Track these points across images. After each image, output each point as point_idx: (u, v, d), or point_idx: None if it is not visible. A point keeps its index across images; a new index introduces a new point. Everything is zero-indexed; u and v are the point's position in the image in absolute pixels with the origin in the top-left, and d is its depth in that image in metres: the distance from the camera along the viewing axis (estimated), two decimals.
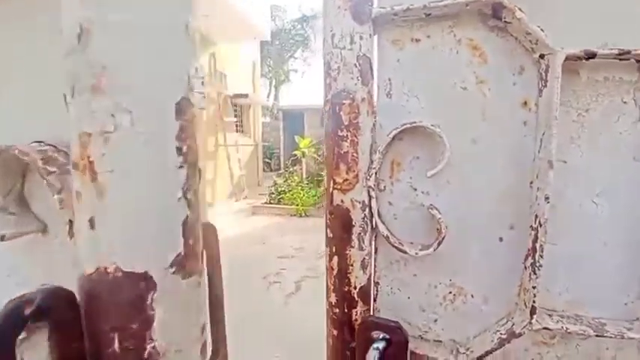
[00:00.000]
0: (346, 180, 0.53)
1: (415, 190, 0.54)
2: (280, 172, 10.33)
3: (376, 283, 0.58)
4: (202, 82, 3.97)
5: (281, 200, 6.99)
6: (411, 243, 0.54)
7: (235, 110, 9.23)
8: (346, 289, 0.55)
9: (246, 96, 8.61)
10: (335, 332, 0.58)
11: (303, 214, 6.39)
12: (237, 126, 9.16)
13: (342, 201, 0.54)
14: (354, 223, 0.54)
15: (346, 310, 0.56)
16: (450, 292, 0.54)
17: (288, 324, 2.70)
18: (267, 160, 13.22)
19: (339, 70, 0.52)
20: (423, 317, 0.56)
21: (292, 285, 3.41)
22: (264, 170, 11.42)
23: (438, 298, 0.55)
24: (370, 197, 0.53)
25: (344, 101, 0.51)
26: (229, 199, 8.10)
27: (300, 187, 7.40)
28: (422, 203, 0.53)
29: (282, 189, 7.34)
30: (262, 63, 15.08)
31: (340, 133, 0.52)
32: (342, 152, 0.53)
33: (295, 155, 9.46)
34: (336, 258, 0.56)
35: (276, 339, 2.51)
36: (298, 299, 3.13)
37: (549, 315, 0.51)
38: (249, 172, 9.59)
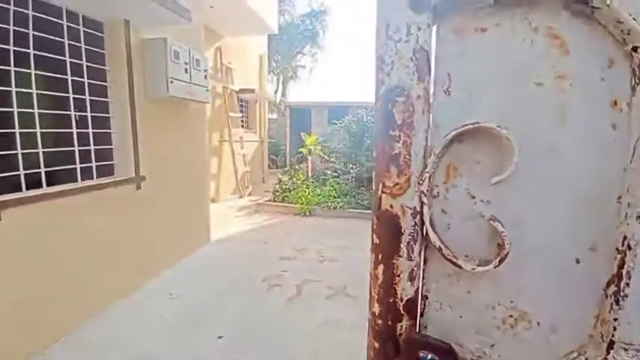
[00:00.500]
0: (397, 184, 0.49)
1: (473, 198, 0.49)
2: (286, 169, 10.27)
3: (424, 297, 0.54)
4: (205, 76, 3.91)
5: (285, 198, 6.93)
6: (466, 256, 0.49)
7: (241, 105, 9.18)
8: (391, 301, 0.53)
9: (252, 91, 8.56)
10: (376, 345, 0.55)
11: (308, 214, 6.33)
12: (242, 121, 9.12)
13: (391, 206, 0.50)
14: (403, 230, 0.50)
15: (390, 323, 0.53)
16: (511, 316, 0.49)
17: (286, 331, 2.64)
18: (273, 156, 13.19)
19: (392, 64, 0.48)
20: (476, 340, 0.52)
21: (293, 289, 3.34)
22: (269, 167, 11.38)
23: (495, 320, 0.50)
24: (422, 203, 0.49)
25: (397, 98, 0.48)
26: (233, 195, 8.06)
27: (305, 186, 7.33)
28: (481, 213, 0.48)
29: (287, 187, 7.28)
30: (270, 58, 15.03)
31: (392, 133, 0.48)
32: (394, 154, 0.49)
33: (301, 153, 9.40)
34: (381, 266, 0.53)
35: (272, 347, 2.45)
36: (298, 304, 3.07)
37: (625, 349, 0.45)
38: (254, 169, 9.55)
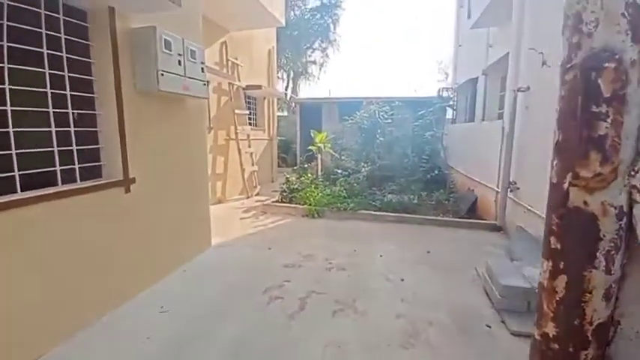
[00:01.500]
0: (598, 175, 0.40)
1: None
2: (295, 167, 10.00)
3: (616, 322, 0.45)
4: (202, 69, 3.61)
5: (293, 199, 6.63)
6: None
7: (249, 103, 8.94)
8: (576, 323, 0.44)
9: (259, 87, 8.28)
10: None
11: (316, 215, 6.00)
12: (250, 119, 8.86)
13: (584, 203, 0.41)
14: (602, 235, 0.40)
15: (572, 350, 0.46)
16: None
17: (285, 356, 2.31)
18: (283, 155, 12.95)
19: (596, 22, 0.39)
20: None
21: (296, 302, 3.02)
22: (279, 165, 11.12)
23: None
24: (632, 202, 0.40)
25: (605, 65, 0.37)
26: (240, 195, 7.83)
27: (313, 186, 7.01)
28: None
29: (295, 187, 6.97)
30: (280, 54, 14.76)
31: (595, 109, 0.38)
32: (597, 136, 0.39)
33: (310, 151, 9.07)
34: (563, 278, 0.44)
35: None
36: (301, 322, 2.73)
37: None
38: (263, 168, 9.30)
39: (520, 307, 2.86)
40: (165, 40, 3.04)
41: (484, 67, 6.98)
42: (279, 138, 11.47)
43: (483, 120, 7.15)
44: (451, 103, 9.15)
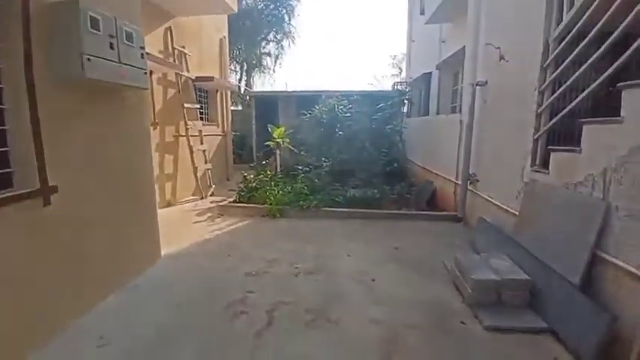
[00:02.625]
0: None
1: None
2: (252, 164, 9.53)
3: None
4: (142, 55, 3.10)
5: (251, 198, 6.23)
6: None
7: (200, 96, 8.27)
8: None
9: (211, 79, 7.66)
10: None
11: (277, 215, 5.68)
12: (201, 114, 8.21)
13: None
14: None
15: None
16: None
17: None
18: (238, 151, 12.34)
19: None
20: None
21: (263, 316, 2.72)
22: (234, 162, 10.53)
23: None
24: None
25: None
26: (194, 197, 7.23)
27: (273, 183, 6.67)
28: None
29: (253, 185, 6.57)
30: (232, 45, 14.00)
31: None
32: None
33: (267, 146, 8.68)
34: None
35: None
36: (271, 338, 2.44)
37: None
38: (217, 166, 8.72)
39: (490, 300, 2.85)
40: (91, 17, 2.51)
41: (437, 62, 7.11)
42: (233, 133, 10.86)
43: (438, 113, 7.31)
44: (408, 97, 9.29)
